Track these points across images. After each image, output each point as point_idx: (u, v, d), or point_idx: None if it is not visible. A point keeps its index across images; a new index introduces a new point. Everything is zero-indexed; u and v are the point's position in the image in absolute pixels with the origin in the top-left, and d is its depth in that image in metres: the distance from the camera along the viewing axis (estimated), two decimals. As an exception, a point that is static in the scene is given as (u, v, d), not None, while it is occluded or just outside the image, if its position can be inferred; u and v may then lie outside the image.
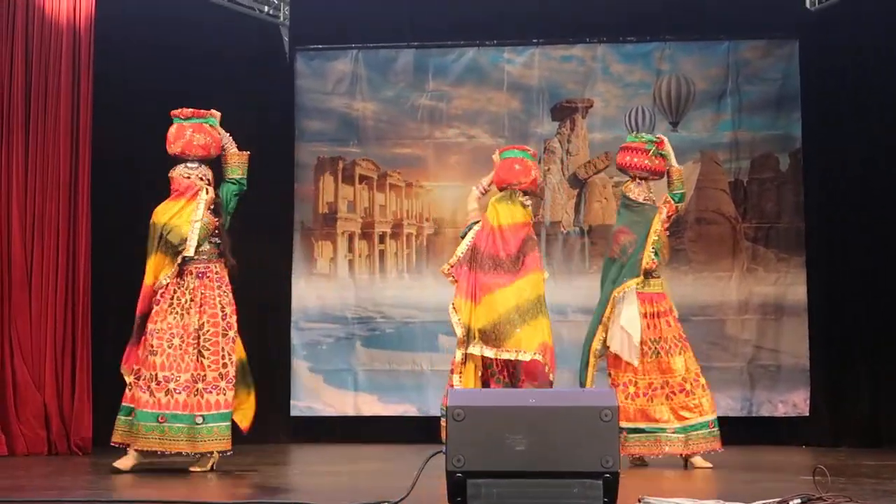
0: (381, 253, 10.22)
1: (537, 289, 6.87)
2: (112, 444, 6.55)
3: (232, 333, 6.55)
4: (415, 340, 10.02)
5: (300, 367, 10.07)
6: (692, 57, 10.12)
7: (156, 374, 6.38)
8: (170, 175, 6.76)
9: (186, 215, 6.55)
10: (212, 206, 6.64)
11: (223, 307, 6.57)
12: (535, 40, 10.22)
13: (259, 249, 9.95)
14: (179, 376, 6.38)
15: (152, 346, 6.42)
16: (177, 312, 6.48)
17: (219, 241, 6.67)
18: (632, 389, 6.99)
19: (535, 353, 6.66)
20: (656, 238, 7.14)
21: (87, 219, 8.32)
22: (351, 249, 10.23)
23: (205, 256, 6.60)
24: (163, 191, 6.80)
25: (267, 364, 9.94)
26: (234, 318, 6.60)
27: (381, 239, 10.23)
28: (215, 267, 6.63)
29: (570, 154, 10.15)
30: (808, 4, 9.71)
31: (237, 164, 6.81)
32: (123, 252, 7.01)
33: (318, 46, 10.36)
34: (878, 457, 7.74)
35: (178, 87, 9.20)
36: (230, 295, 6.64)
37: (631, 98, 10.12)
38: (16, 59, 8.14)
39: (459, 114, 10.27)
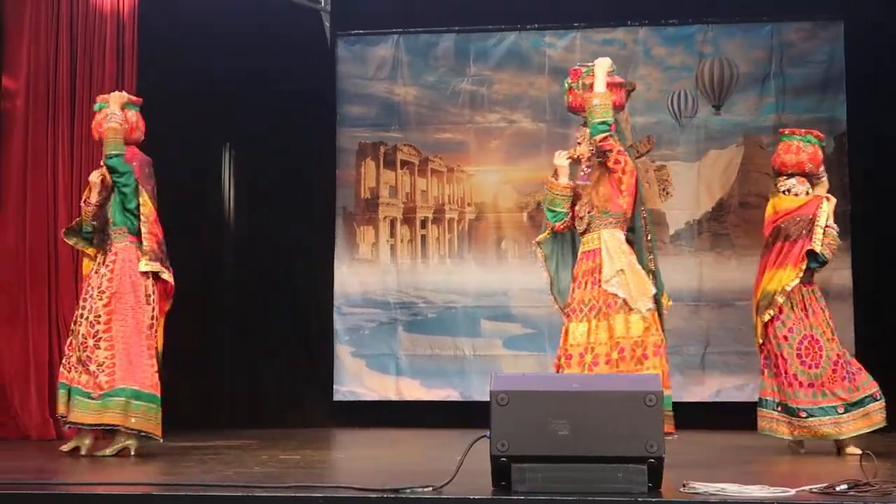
0: (423, 238, 10.22)
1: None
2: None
3: (107, 320, 6.49)
4: (457, 325, 10.03)
5: (343, 352, 10.10)
6: (734, 39, 10.02)
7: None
8: None
9: None
10: (106, 188, 6.58)
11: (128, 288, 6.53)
12: (576, 24, 10.16)
13: (301, 235, 10.03)
14: (71, 355, 6.56)
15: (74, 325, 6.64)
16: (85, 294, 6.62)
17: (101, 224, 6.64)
18: (588, 358, 6.03)
19: None
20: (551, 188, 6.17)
21: (133, 202, 8.37)
22: (393, 234, 10.25)
23: (106, 238, 6.63)
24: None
25: (309, 349, 10.03)
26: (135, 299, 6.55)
27: (423, 224, 10.23)
28: (115, 247, 6.59)
29: (613, 138, 10.09)
30: (853, -15, 9.61)
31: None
32: (169, 233, 7.05)
33: (359, 31, 10.37)
34: (925, 442, 7.66)
35: (219, 73, 9.26)
36: (133, 277, 6.56)
37: (673, 81, 10.05)
38: (61, 44, 8.25)
39: (500, 98, 10.24)
